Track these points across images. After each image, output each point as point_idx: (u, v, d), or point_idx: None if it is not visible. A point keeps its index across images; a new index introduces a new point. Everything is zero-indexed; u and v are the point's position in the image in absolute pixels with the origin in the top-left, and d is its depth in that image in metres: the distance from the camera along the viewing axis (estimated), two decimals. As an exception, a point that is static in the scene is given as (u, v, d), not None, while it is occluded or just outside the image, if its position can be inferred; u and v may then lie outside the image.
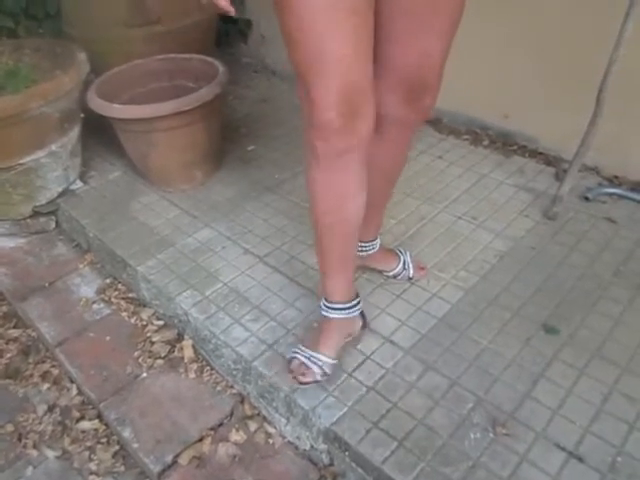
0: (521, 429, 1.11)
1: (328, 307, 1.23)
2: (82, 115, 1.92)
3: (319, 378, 1.20)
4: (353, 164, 1.03)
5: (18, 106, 1.63)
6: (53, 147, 1.82)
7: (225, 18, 2.61)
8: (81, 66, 1.82)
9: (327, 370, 1.20)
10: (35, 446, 1.37)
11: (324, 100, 0.93)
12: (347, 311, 1.23)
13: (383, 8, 0.96)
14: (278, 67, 2.73)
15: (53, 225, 2.01)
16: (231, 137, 2.19)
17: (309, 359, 1.20)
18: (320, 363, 1.20)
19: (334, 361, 1.22)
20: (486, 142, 2.07)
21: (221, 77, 1.76)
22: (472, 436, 1.11)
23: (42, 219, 1.98)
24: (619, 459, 1.05)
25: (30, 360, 1.58)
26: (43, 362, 1.58)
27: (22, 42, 2.06)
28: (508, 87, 1.96)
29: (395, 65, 1.04)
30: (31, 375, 1.54)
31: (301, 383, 1.20)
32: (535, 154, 1.99)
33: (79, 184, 2.01)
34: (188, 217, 1.80)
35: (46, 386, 1.51)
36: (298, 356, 1.22)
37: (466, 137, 2.11)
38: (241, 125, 2.28)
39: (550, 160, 1.94)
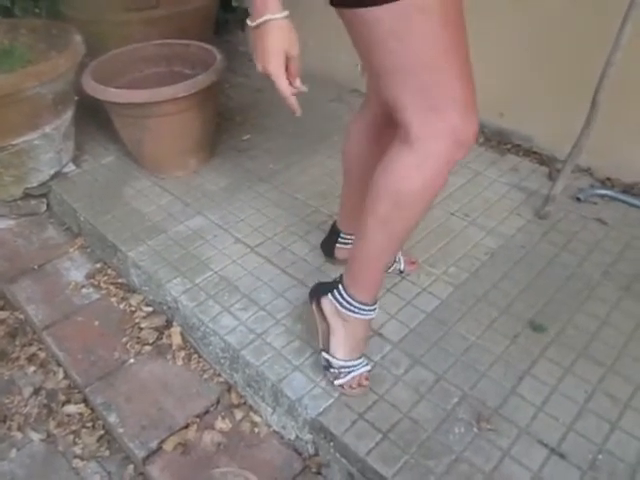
0: (505, 425, 1.12)
1: (365, 309, 1.17)
2: (76, 98, 1.90)
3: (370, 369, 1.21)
4: None
5: (12, 86, 1.61)
6: (46, 129, 1.81)
7: (225, 6, 2.60)
8: (77, 48, 1.81)
9: (366, 362, 1.21)
10: (20, 428, 1.37)
11: (472, 117, 0.95)
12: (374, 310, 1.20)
13: None
14: (276, 57, 2.71)
15: (44, 208, 1.99)
16: (226, 126, 2.18)
17: (364, 367, 1.19)
18: (361, 365, 1.20)
19: (361, 357, 1.21)
20: (481, 140, 2.08)
21: (218, 65, 1.75)
22: (456, 430, 1.12)
23: (33, 201, 1.97)
24: (600, 457, 1.07)
25: (17, 342, 1.58)
26: (30, 345, 1.58)
27: (18, 22, 2.04)
28: (504, 86, 1.96)
29: None
30: (17, 357, 1.54)
31: (366, 386, 1.19)
32: (529, 153, 2.00)
33: (72, 167, 2.00)
34: (180, 204, 1.79)
35: (32, 369, 1.50)
36: (355, 371, 1.18)
37: (461, 134, 2.11)
38: (236, 114, 2.27)
39: (544, 160, 1.95)
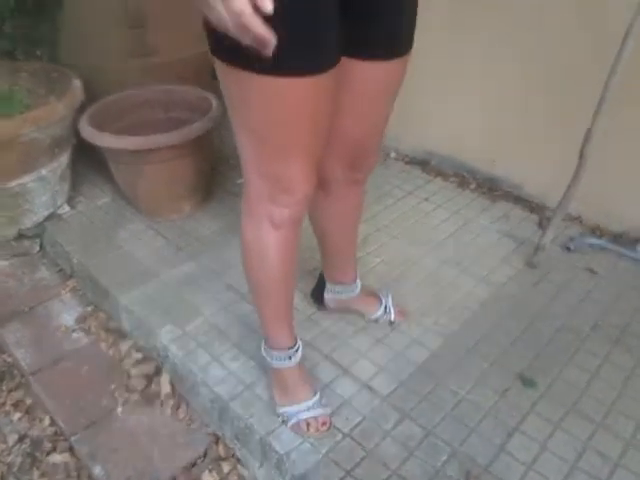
0: (494, 484, 1.11)
1: (276, 355, 1.22)
2: (74, 141, 1.92)
3: (330, 413, 1.23)
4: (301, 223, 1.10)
5: (10, 131, 1.63)
6: (42, 171, 1.82)
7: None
8: (76, 93, 1.84)
9: (324, 402, 1.24)
10: (3, 478, 1.34)
11: (298, 177, 0.97)
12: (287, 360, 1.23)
13: (342, 90, 0.98)
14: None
15: (37, 248, 1.99)
16: (221, 169, 2.20)
17: (308, 411, 1.20)
18: (316, 405, 1.22)
19: (317, 395, 1.24)
20: (473, 186, 2.11)
21: (214, 112, 1.78)
22: (445, 489, 1.11)
23: (26, 242, 1.97)
24: (590, 519, 1.06)
25: (3, 387, 1.56)
26: (17, 390, 1.56)
27: (19, 65, 2.07)
28: (496, 133, 2.00)
29: (345, 136, 1.08)
30: (3, 403, 1.52)
31: (328, 429, 1.20)
32: (520, 200, 2.02)
33: (66, 208, 2.01)
34: (174, 248, 1.80)
35: (18, 415, 1.48)
36: (298, 416, 1.20)
37: (453, 180, 2.15)
38: (231, 157, 2.30)
39: (534, 207, 1.98)
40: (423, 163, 2.25)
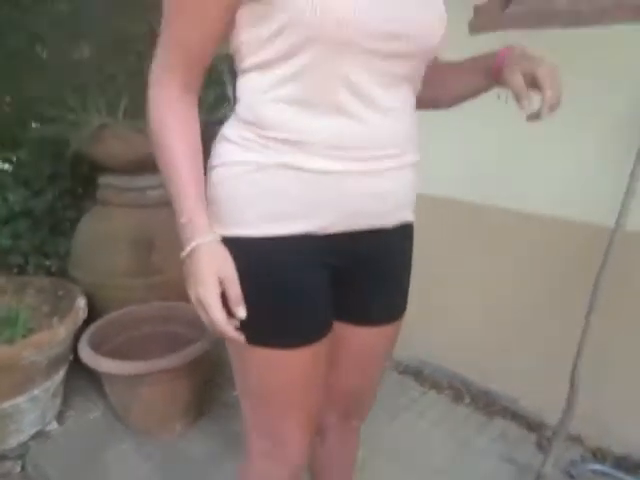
0: None
1: None
2: (71, 357, 1.94)
3: None
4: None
5: (10, 357, 1.66)
6: (35, 391, 1.81)
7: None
8: (79, 313, 1.89)
9: None
10: None
11: (295, 437, 0.99)
12: None
13: (337, 352, 1.03)
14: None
15: (18, 469, 1.90)
16: (218, 380, 2.19)
17: None
18: None
19: None
20: (467, 400, 2.09)
21: (212, 333, 1.82)
22: None
23: (8, 463, 1.88)
24: None
25: None
26: None
27: (28, 280, 2.15)
28: (489, 347, 2.04)
29: (340, 390, 1.12)
30: None
31: None
32: (517, 417, 1.99)
33: (55, 425, 1.96)
34: (160, 475, 1.72)
35: None
36: None
37: (448, 392, 2.14)
38: (226, 368, 2.30)
39: (532, 425, 1.95)
40: (416, 372, 2.26)
